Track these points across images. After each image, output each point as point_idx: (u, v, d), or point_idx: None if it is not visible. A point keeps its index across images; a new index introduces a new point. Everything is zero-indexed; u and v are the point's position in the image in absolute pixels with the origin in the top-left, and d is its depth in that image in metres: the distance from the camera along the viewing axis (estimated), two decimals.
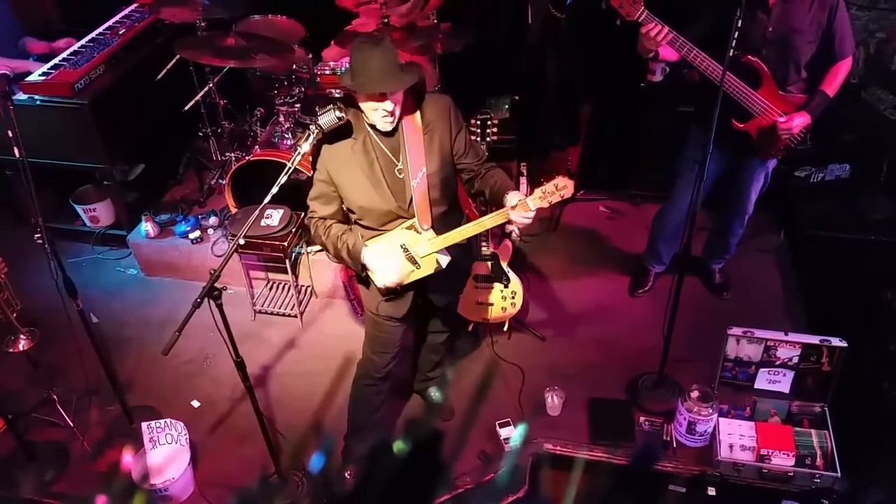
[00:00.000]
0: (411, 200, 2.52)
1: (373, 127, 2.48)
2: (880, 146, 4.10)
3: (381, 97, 2.34)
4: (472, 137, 3.03)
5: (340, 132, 2.47)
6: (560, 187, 2.39)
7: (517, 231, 2.41)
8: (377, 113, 2.39)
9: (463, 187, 2.74)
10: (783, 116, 3.11)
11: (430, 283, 2.74)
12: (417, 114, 2.50)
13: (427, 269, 2.61)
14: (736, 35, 2.63)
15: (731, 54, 2.69)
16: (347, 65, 2.50)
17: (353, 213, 2.62)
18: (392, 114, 2.39)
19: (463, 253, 2.85)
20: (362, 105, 2.41)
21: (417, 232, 2.56)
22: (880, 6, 4.31)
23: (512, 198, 2.43)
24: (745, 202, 3.55)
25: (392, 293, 2.69)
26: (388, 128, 2.44)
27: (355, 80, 2.35)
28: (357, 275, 2.74)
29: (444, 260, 2.61)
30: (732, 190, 3.53)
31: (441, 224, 2.59)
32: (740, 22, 2.62)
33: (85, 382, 3.44)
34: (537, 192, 2.40)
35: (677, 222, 3.64)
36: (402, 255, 2.58)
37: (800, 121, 3.10)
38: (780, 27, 3.00)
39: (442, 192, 2.57)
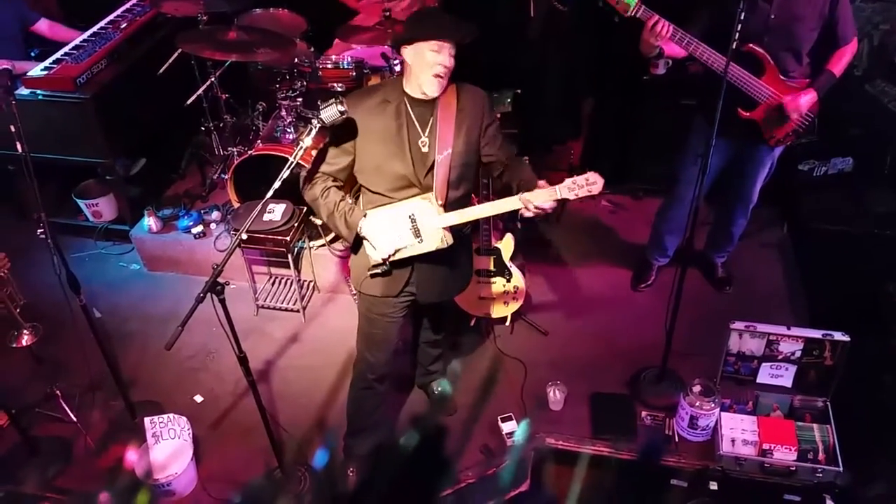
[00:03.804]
0: (430, 171, 2.51)
1: (409, 97, 2.48)
2: (884, 139, 4.09)
3: (442, 47, 2.36)
4: None
5: (377, 92, 2.48)
6: (590, 182, 2.39)
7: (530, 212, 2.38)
8: (434, 70, 2.38)
9: (492, 181, 2.70)
10: (789, 96, 3.09)
11: (422, 282, 2.70)
12: (454, 96, 2.52)
13: (430, 244, 2.55)
14: (739, 26, 2.62)
15: (733, 46, 2.66)
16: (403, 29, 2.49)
17: (361, 174, 2.57)
18: (446, 73, 2.41)
19: (464, 258, 2.83)
20: (419, 63, 2.39)
21: (431, 204, 2.51)
22: None
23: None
24: (751, 190, 3.54)
25: (380, 269, 2.60)
26: (436, 91, 2.44)
27: (428, 30, 2.36)
28: (352, 246, 2.68)
29: (450, 238, 2.56)
30: (738, 178, 3.51)
31: (452, 208, 2.56)
32: (743, 14, 2.61)
33: (88, 377, 3.45)
34: (567, 181, 2.40)
35: (683, 216, 3.64)
36: (407, 225, 2.52)
37: (807, 98, 3.09)
38: (781, 15, 2.99)
39: (460, 177, 2.57)
